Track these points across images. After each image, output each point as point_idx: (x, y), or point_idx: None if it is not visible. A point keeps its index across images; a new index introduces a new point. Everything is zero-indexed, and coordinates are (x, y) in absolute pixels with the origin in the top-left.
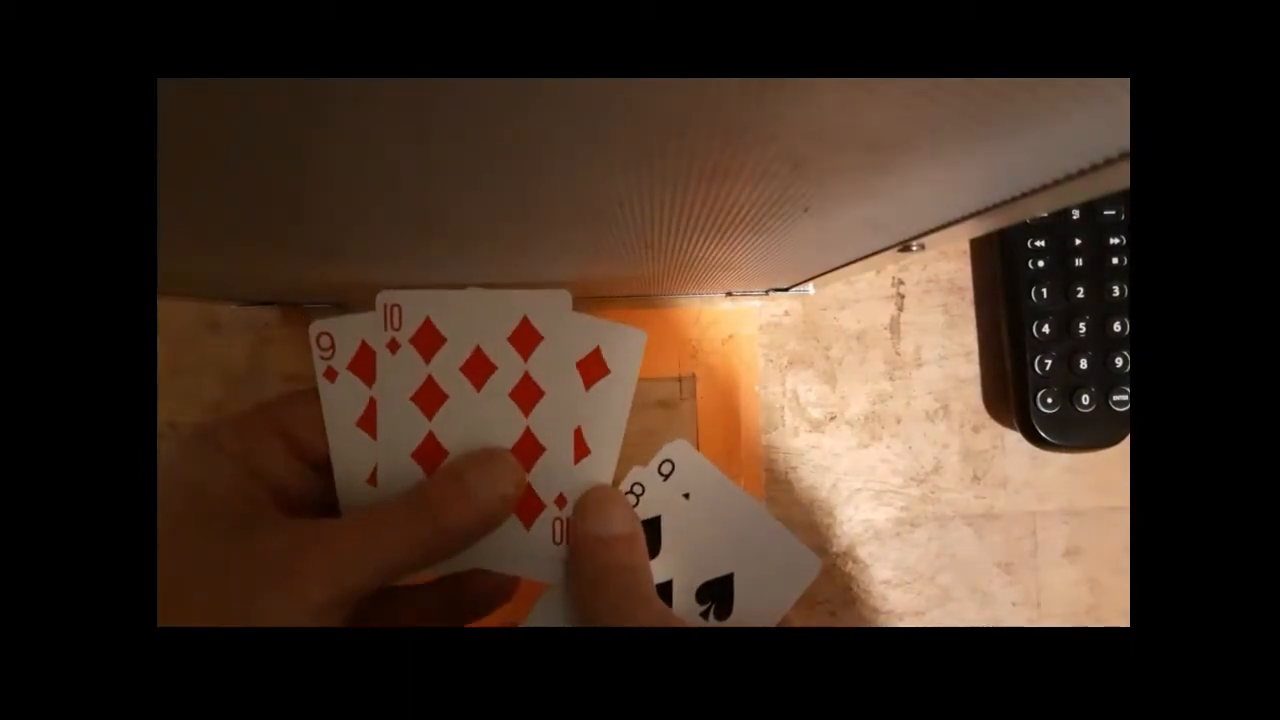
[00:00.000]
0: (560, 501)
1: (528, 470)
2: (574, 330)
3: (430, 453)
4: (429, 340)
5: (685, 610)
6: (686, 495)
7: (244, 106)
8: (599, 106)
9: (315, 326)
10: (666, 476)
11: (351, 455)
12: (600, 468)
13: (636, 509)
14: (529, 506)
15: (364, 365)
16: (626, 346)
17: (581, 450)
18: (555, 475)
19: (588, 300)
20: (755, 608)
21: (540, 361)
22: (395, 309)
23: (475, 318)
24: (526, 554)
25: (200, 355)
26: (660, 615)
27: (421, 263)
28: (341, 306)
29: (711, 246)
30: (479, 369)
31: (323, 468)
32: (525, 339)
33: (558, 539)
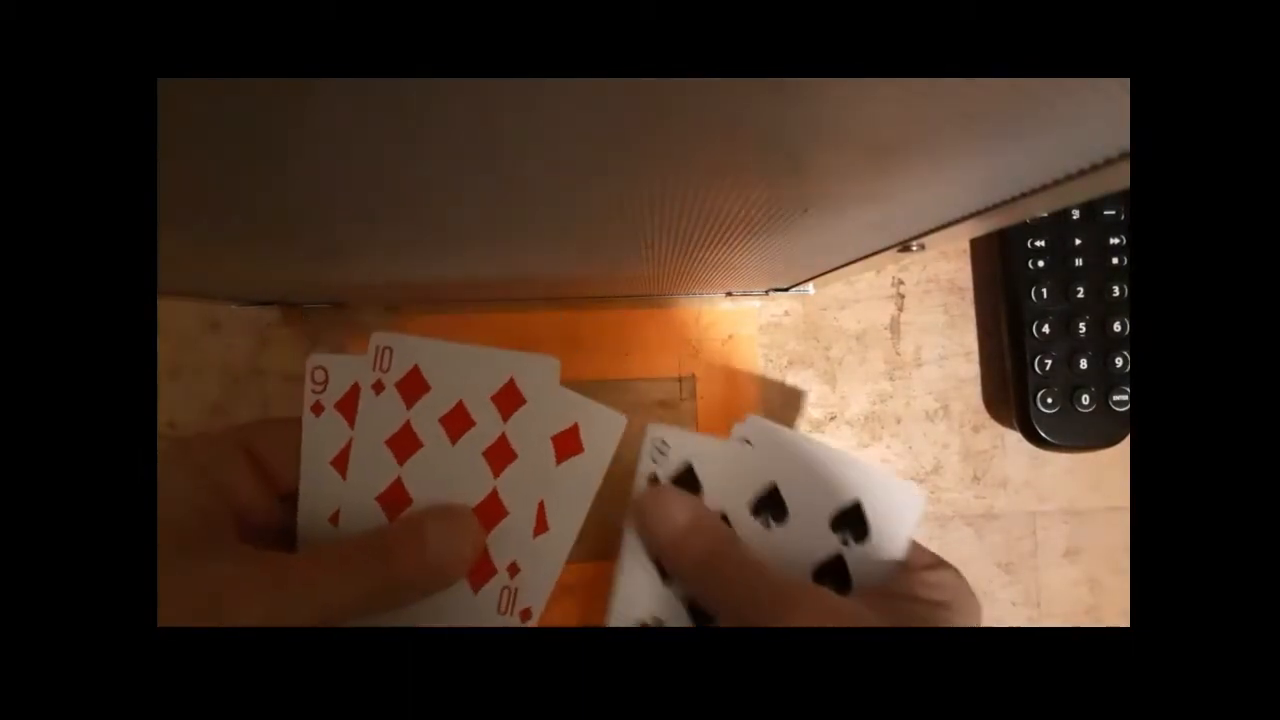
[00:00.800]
0: (512, 570)
1: (488, 531)
2: (556, 402)
3: (395, 498)
4: (414, 387)
5: (819, 537)
6: (748, 441)
7: (244, 106)
8: (599, 107)
9: (313, 360)
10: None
11: (319, 492)
12: (556, 546)
13: (666, 464)
14: (481, 570)
15: (351, 406)
16: (605, 429)
17: (541, 525)
18: (513, 542)
19: (587, 300)
20: (885, 533)
21: (519, 425)
22: (387, 351)
23: (463, 372)
24: (470, 618)
25: (200, 355)
26: (764, 564)
27: (420, 262)
28: (341, 306)
29: (711, 246)
30: (458, 422)
31: (290, 499)
32: (508, 400)
33: (503, 609)
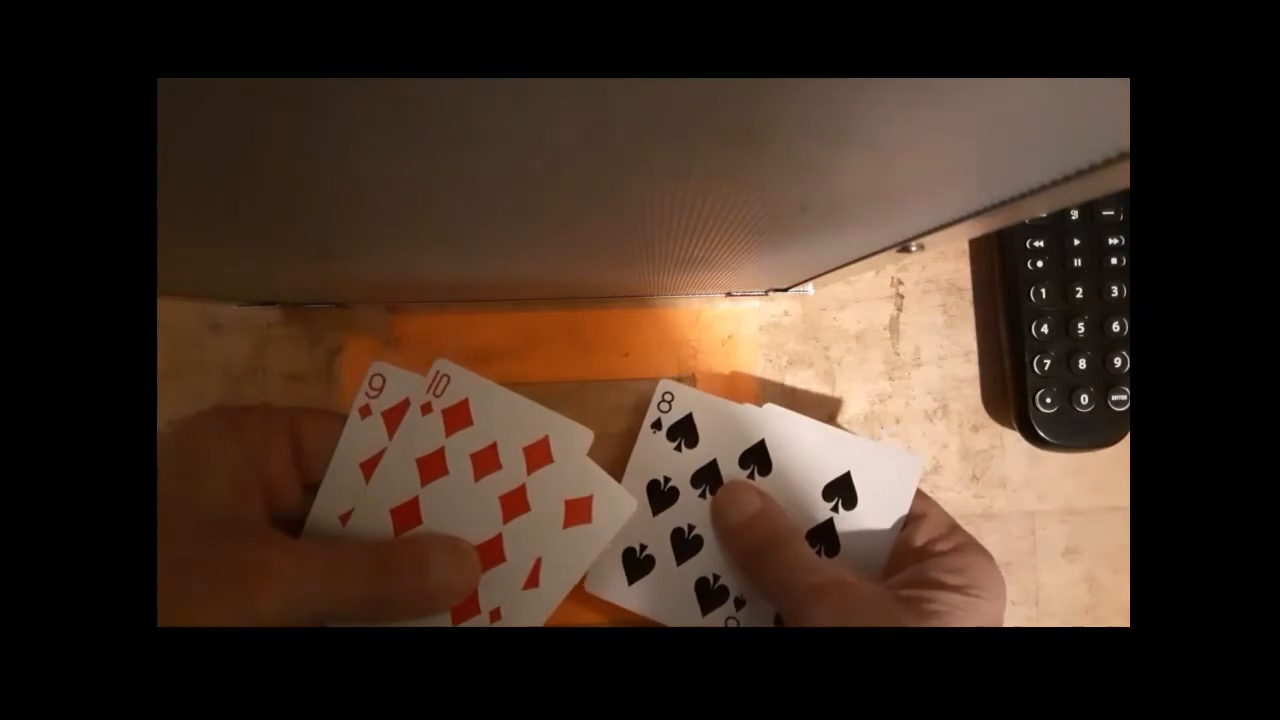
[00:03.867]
0: (494, 615)
1: (483, 572)
2: (580, 470)
3: (407, 515)
4: (458, 418)
5: (810, 507)
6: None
7: (244, 106)
8: (599, 107)
9: (376, 366)
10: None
11: (340, 489)
12: (541, 604)
13: (671, 412)
14: (466, 608)
15: (396, 419)
16: (616, 507)
17: (533, 580)
18: (502, 589)
19: (588, 300)
20: (878, 502)
21: (539, 481)
22: (444, 378)
23: (505, 417)
24: None
25: (201, 356)
26: (812, 559)
27: (421, 263)
28: (341, 306)
29: (711, 246)
30: (486, 462)
31: (312, 490)
32: (537, 455)
33: None
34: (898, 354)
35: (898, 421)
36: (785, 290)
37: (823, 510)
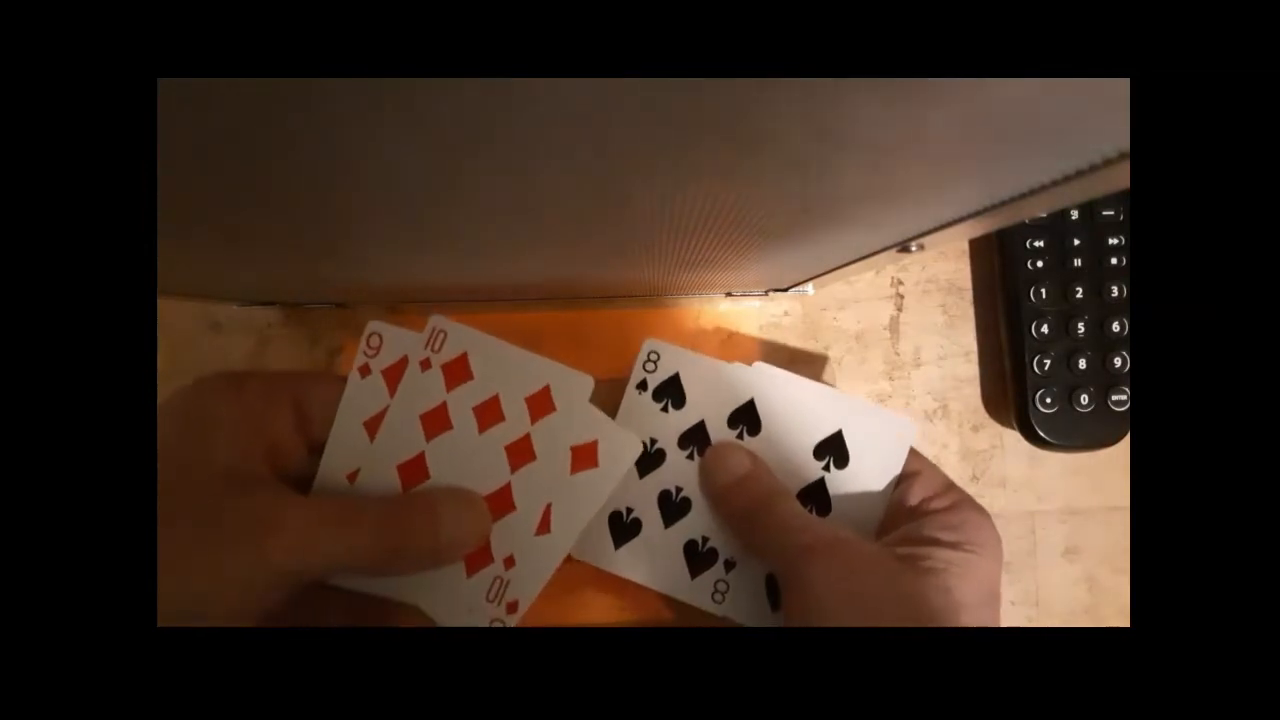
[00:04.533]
0: (508, 563)
1: (495, 521)
2: (583, 416)
3: (414, 470)
4: (458, 372)
5: (801, 466)
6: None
7: (244, 107)
8: (599, 107)
9: (372, 325)
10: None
11: (345, 449)
12: (554, 548)
13: (657, 372)
14: (479, 557)
15: (396, 376)
16: (621, 449)
17: (544, 527)
18: (514, 537)
19: (589, 301)
20: (868, 464)
21: (544, 430)
22: (441, 334)
23: (506, 369)
24: (458, 600)
25: (201, 355)
26: (805, 517)
27: (421, 264)
28: (342, 306)
29: (711, 246)
30: (489, 414)
31: (317, 452)
32: (540, 405)
33: (492, 597)
34: (898, 354)
35: None
36: (785, 290)
37: (814, 470)
